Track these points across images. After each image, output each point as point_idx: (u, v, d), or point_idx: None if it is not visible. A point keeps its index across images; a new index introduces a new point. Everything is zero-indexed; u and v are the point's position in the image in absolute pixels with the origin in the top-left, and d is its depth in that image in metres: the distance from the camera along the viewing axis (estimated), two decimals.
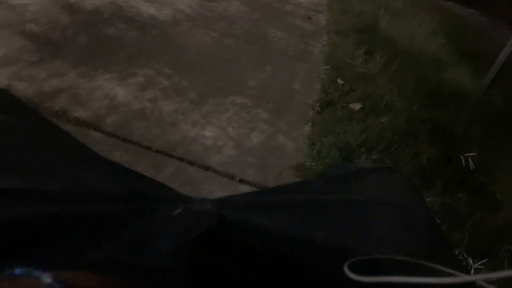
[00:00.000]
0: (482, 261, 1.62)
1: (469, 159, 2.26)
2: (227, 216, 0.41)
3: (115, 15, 3.04)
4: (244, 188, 1.81)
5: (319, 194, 0.56)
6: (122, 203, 0.37)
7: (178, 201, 0.43)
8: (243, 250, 0.37)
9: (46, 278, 0.20)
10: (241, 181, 1.86)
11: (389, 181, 0.65)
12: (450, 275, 0.38)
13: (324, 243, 0.44)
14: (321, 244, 0.43)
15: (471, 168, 2.24)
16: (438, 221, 1.58)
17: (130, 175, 0.48)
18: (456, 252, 1.68)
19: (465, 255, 1.64)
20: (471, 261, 1.59)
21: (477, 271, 1.57)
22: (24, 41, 2.31)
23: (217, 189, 1.75)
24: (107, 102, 2.06)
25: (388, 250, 0.45)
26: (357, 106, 2.73)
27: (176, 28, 3.16)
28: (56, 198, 0.34)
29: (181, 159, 1.86)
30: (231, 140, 2.10)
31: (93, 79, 2.20)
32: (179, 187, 1.66)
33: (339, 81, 3.06)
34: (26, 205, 0.30)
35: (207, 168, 1.86)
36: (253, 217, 0.46)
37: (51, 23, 2.60)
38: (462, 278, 0.34)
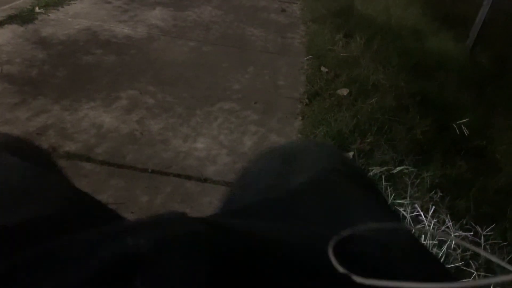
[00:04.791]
0: (491, 227, 1.62)
1: (462, 126, 2.25)
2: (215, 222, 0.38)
3: (90, 41, 3.03)
4: None
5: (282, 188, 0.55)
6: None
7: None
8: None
9: None
10: None
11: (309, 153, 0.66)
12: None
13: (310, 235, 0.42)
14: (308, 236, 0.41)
15: (466, 134, 2.23)
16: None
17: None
18: (464, 222, 1.68)
19: (472, 224, 1.64)
20: (479, 229, 1.59)
21: (486, 237, 1.57)
22: (2, 84, 2.30)
23: (217, 200, 1.74)
24: (95, 131, 2.05)
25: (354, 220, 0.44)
26: (344, 91, 2.72)
27: (153, 44, 3.15)
28: None
29: (177, 176, 1.86)
30: (224, 148, 2.09)
31: (78, 110, 2.19)
32: (179, 204, 1.67)
33: (323, 69, 3.05)
34: None
35: (204, 180, 1.85)
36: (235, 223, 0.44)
37: (27, 61, 2.59)
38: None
